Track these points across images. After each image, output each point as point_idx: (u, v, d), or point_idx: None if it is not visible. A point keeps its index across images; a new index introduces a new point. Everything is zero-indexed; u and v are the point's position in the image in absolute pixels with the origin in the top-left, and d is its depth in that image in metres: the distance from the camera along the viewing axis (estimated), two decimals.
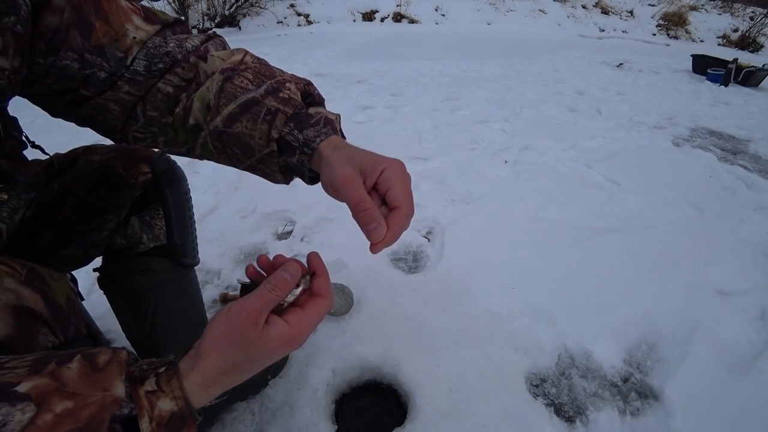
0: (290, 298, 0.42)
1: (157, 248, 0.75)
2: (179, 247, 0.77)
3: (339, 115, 0.52)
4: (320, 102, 0.55)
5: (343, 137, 0.52)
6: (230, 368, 0.39)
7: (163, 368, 0.38)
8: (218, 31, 6.68)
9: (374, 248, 0.44)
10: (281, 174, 0.51)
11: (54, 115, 0.57)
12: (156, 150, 0.74)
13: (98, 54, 0.49)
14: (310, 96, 0.53)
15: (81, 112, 0.54)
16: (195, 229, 0.83)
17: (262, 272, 0.47)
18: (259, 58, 0.54)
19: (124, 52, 0.51)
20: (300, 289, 0.43)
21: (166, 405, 0.36)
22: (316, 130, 0.48)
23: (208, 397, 0.39)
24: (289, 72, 0.54)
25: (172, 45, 0.53)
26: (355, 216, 0.43)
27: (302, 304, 0.43)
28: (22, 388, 0.32)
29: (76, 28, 0.48)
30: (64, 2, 0.47)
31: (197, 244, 0.84)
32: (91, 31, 0.49)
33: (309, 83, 0.53)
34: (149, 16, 0.54)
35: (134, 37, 0.51)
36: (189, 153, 0.56)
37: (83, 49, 0.49)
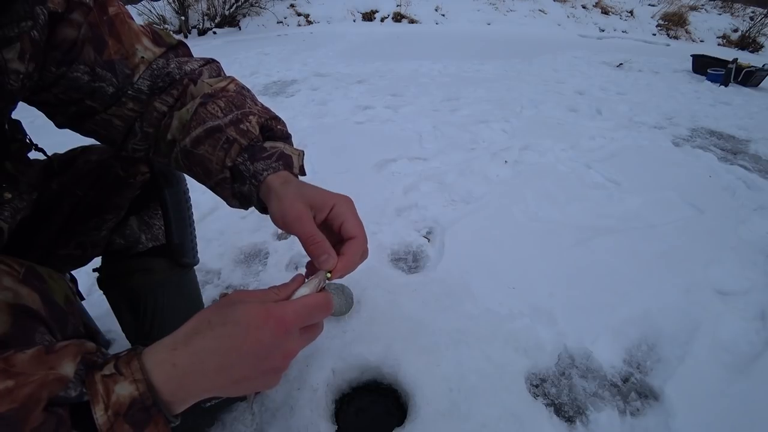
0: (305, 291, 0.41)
1: (156, 248, 0.75)
2: (178, 246, 0.77)
3: (302, 152, 0.55)
4: (281, 137, 0.57)
5: (303, 173, 0.55)
6: (203, 329, 0.35)
7: (125, 352, 0.35)
8: (218, 31, 6.68)
9: (332, 277, 0.44)
10: (236, 200, 0.54)
11: (60, 126, 0.59)
12: None
13: (108, 69, 0.53)
14: (270, 130, 0.56)
15: (86, 127, 0.57)
16: (194, 229, 0.83)
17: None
18: (242, 87, 0.58)
19: (132, 69, 0.55)
20: (320, 286, 0.42)
21: (124, 389, 0.32)
22: (266, 163, 0.50)
23: (176, 379, 0.34)
24: (262, 104, 0.57)
25: (172, 66, 0.57)
26: (307, 249, 0.44)
27: None
28: None
29: (91, 43, 0.52)
30: (82, 19, 0.51)
31: (196, 244, 0.84)
32: (104, 48, 0.53)
33: (275, 118, 0.57)
34: (156, 38, 0.58)
35: (142, 57, 0.55)
36: (168, 165, 0.59)
37: (95, 64, 0.52)
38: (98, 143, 0.70)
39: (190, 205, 0.81)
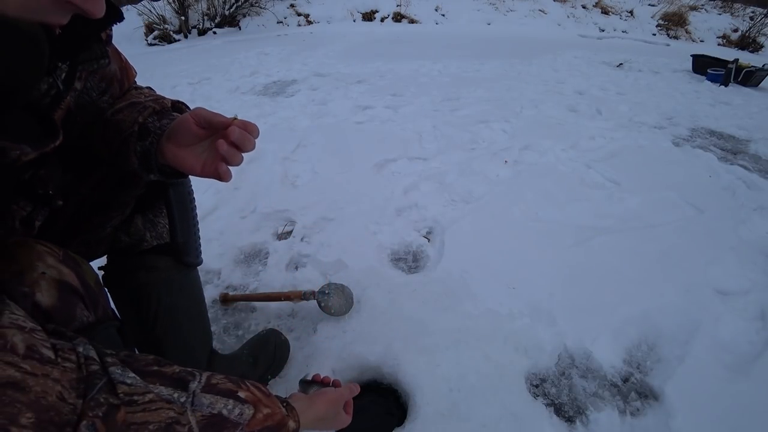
0: None
1: (160, 246, 0.75)
2: (182, 245, 0.78)
3: None
4: None
5: None
6: (318, 417, 0.64)
7: (285, 404, 0.59)
8: (218, 31, 6.69)
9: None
10: (136, 157, 0.61)
11: None
12: None
13: (120, 102, 0.66)
14: (179, 110, 0.68)
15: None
16: (198, 230, 0.83)
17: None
18: (178, 101, 0.70)
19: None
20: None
21: (292, 425, 0.58)
22: (170, 120, 0.61)
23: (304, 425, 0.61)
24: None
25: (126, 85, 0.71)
26: (219, 121, 0.55)
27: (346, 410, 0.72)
28: (241, 394, 0.51)
29: (118, 83, 0.66)
30: (113, 56, 0.63)
31: (200, 245, 0.85)
32: (122, 87, 0.67)
33: (185, 104, 0.69)
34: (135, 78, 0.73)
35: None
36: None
37: (116, 97, 0.66)
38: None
39: (195, 205, 0.81)
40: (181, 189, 0.77)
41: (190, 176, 0.80)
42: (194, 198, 0.82)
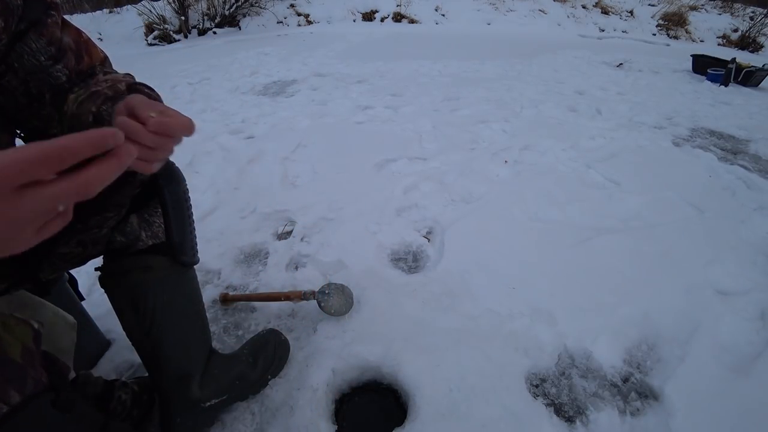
0: None
1: (156, 246, 0.75)
2: (178, 245, 0.78)
3: None
4: (148, 96, 0.62)
5: None
6: None
7: None
8: (218, 31, 6.69)
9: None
10: None
11: None
12: None
13: (78, 76, 0.64)
14: (137, 90, 0.63)
15: (28, 123, 0.64)
16: (194, 229, 0.83)
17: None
18: (139, 83, 0.66)
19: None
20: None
21: None
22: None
23: None
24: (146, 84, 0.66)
25: (98, 68, 0.69)
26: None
27: None
28: None
29: (73, 54, 0.64)
30: (61, 25, 0.62)
31: (196, 244, 0.84)
32: (81, 61, 0.65)
33: (146, 85, 0.66)
34: (106, 62, 0.71)
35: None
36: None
37: (73, 70, 0.64)
38: None
39: (190, 205, 0.81)
40: (177, 188, 0.77)
41: (185, 175, 0.80)
42: (189, 197, 0.82)
